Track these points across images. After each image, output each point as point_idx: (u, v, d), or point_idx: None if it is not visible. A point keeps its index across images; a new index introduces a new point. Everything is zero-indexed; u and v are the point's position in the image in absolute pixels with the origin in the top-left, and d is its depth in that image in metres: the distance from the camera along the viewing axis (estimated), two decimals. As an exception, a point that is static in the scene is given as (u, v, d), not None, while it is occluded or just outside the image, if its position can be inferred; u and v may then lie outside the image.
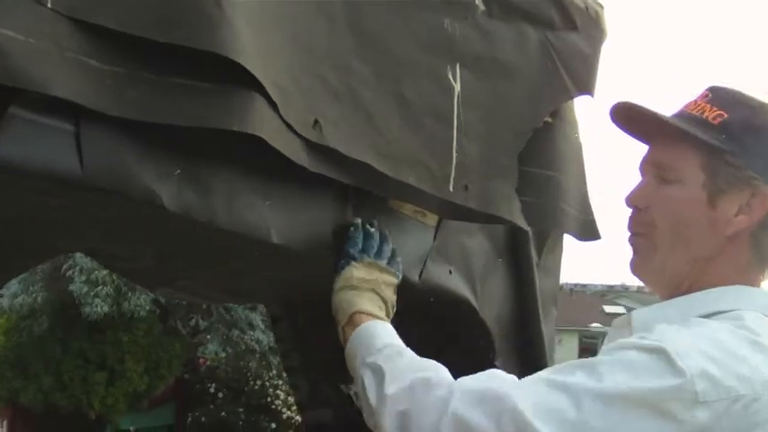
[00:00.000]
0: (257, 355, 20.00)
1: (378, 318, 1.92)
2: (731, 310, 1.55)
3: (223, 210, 1.59)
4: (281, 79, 1.60)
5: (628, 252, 1.71)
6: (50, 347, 17.41)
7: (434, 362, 1.75)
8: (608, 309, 53.81)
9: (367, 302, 1.92)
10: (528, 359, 2.64)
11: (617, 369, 1.42)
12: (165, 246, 1.93)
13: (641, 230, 1.67)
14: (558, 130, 2.45)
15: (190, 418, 21.08)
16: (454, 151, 2.00)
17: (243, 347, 19.76)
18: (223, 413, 20.70)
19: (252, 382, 20.42)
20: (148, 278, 2.41)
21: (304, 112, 1.65)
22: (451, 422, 1.53)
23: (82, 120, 1.39)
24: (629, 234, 1.71)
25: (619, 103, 1.70)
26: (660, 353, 1.40)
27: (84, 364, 17.68)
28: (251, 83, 1.50)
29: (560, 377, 1.48)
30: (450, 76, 2.02)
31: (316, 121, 1.67)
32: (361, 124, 1.80)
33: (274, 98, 1.56)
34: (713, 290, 1.60)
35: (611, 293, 65.28)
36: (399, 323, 2.48)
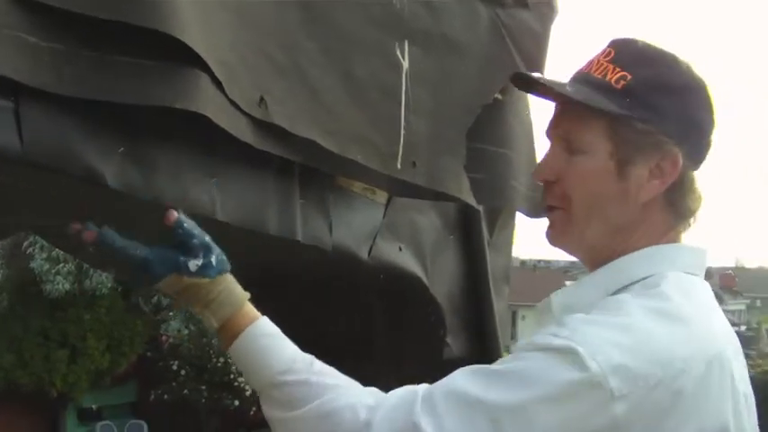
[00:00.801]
0: (220, 333, 19.97)
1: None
2: (649, 276, 1.53)
3: (168, 187, 1.59)
4: (225, 56, 1.59)
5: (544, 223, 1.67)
6: (11, 325, 17.30)
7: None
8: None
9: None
10: (479, 336, 2.66)
11: (533, 377, 1.39)
12: (111, 224, 1.92)
13: (556, 204, 1.62)
14: (509, 107, 2.45)
15: (152, 396, 21.00)
16: (402, 128, 2.00)
17: (205, 325, 19.74)
18: (186, 391, 20.65)
19: (215, 360, 20.38)
20: (96, 257, 2.39)
21: (249, 90, 1.65)
22: None
23: (21, 97, 1.37)
24: (545, 206, 1.66)
25: (516, 74, 1.74)
26: (571, 353, 1.37)
27: (45, 342, 17.58)
28: (194, 60, 1.50)
29: (475, 392, 1.43)
30: (399, 53, 2.01)
31: (261, 99, 1.67)
32: (308, 101, 1.79)
33: (219, 75, 1.55)
34: (628, 257, 1.57)
35: (575, 269, 65.59)
36: (349, 301, 2.50)
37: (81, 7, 1.39)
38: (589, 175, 1.56)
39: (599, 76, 1.58)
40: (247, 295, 1.70)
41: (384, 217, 2.22)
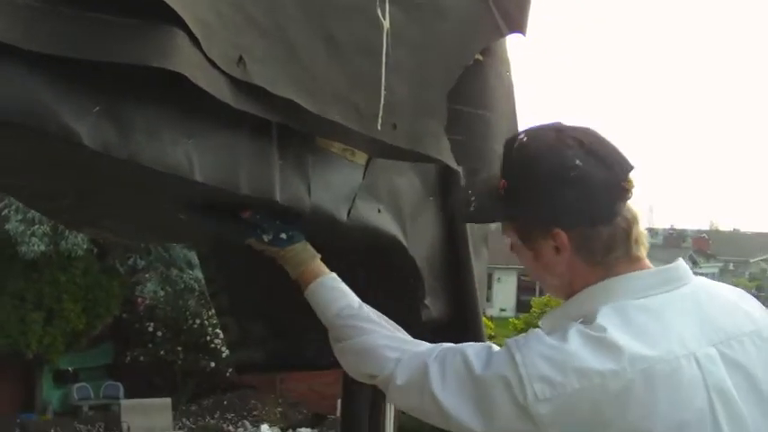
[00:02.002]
0: (196, 294, 19.97)
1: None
2: (595, 312, 1.83)
3: (144, 147, 1.56)
4: (204, 14, 1.56)
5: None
6: (-15, 287, 17.25)
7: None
8: (547, 247, 54.41)
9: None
10: (458, 298, 2.65)
11: (496, 365, 1.82)
12: (86, 184, 1.90)
13: None
14: (489, 69, 2.44)
15: (128, 358, 21.03)
16: (382, 89, 1.98)
17: (182, 286, 19.71)
18: (162, 352, 20.68)
19: (191, 321, 20.41)
20: (71, 218, 2.37)
21: (228, 49, 1.62)
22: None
23: (-5, 54, 1.35)
24: None
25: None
26: (509, 360, 1.79)
27: (20, 304, 17.54)
28: (172, 18, 1.47)
29: (473, 361, 1.86)
30: (380, 13, 1.99)
31: (240, 58, 1.64)
32: (287, 61, 1.77)
33: (197, 34, 1.52)
34: (575, 297, 1.94)
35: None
36: (328, 262, 2.48)
37: (56, -36, 1.36)
38: (522, 258, 2.02)
39: (496, 185, 1.96)
40: (316, 257, 2.19)
41: (363, 178, 2.21)
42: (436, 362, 1.90)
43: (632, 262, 1.91)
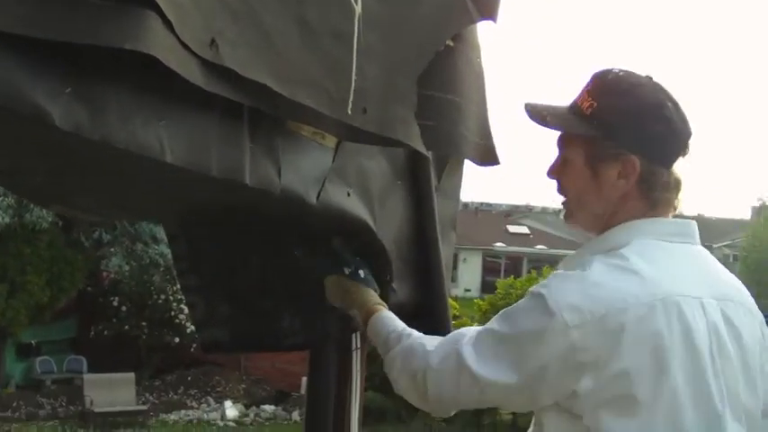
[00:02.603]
0: (161, 269, 19.94)
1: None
2: (625, 244, 2.04)
3: (116, 128, 1.56)
4: None
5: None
6: (-51, 259, 17.12)
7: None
8: (512, 228, 54.64)
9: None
10: (425, 281, 2.67)
11: (518, 315, 2.03)
12: (57, 163, 1.90)
13: (563, 196, 2.19)
14: (460, 55, 2.45)
15: (92, 332, 21.00)
16: (353, 74, 1.98)
17: (147, 261, 19.69)
18: (126, 327, 20.66)
19: (155, 296, 20.39)
20: (40, 195, 2.37)
21: (201, 31, 1.62)
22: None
23: (-34, 34, 1.34)
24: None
25: (527, 104, 2.16)
26: (538, 297, 1.98)
27: (-17, 276, 17.45)
28: (146, 1, 1.47)
29: (498, 328, 2.06)
30: (352, -2, 1.99)
31: (213, 41, 1.64)
32: (260, 44, 1.77)
33: (169, 16, 1.52)
34: (609, 231, 2.10)
35: (516, 213, 66.23)
36: (299, 241, 2.49)
37: (29, -56, 1.36)
38: (574, 177, 2.14)
39: (578, 103, 2.12)
40: (379, 301, 2.49)
41: (333, 161, 2.22)
42: (468, 342, 2.08)
43: (668, 209, 2.13)
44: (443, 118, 2.39)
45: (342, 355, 2.83)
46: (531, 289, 2.03)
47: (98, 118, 1.52)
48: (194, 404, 21.72)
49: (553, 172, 2.18)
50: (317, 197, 2.16)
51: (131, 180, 1.99)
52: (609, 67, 2.15)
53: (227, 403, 21.40)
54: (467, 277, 45.50)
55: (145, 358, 21.30)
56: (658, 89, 2.10)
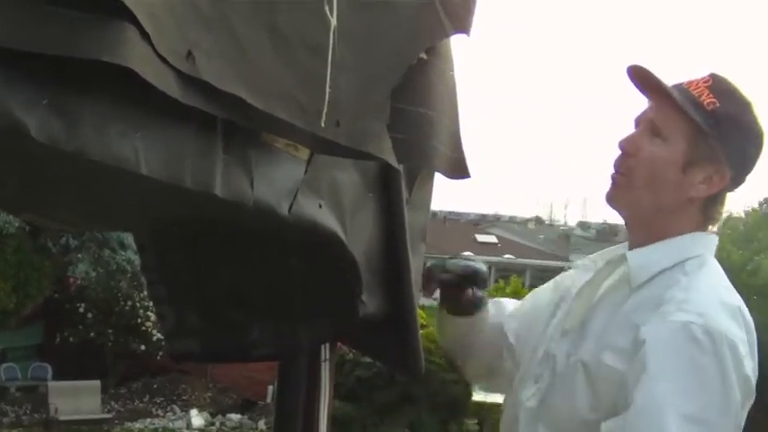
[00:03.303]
0: (128, 276, 19.84)
1: None
2: (698, 255, 2.07)
3: (92, 140, 1.56)
4: (154, 8, 1.56)
5: (607, 185, 2.16)
6: None
7: None
8: (480, 238, 54.73)
9: None
10: (395, 294, 2.68)
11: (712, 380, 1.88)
12: (30, 174, 1.89)
13: (624, 171, 2.12)
14: (433, 68, 2.46)
15: (58, 339, 20.85)
16: (327, 87, 1.99)
17: (114, 267, 19.59)
18: (92, 334, 20.54)
19: (122, 303, 20.29)
20: (11, 204, 2.36)
21: (177, 43, 1.62)
22: None
23: (-60, 45, 1.34)
24: (614, 171, 2.15)
25: (636, 66, 2.10)
26: (718, 338, 1.88)
27: (-51, 281, 17.31)
28: (122, 12, 1.47)
29: (686, 410, 1.85)
30: (327, 11, 2.00)
31: (189, 53, 1.65)
32: (234, 56, 1.77)
33: (147, 28, 1.52)
34: (680, 239, 2.08)
35: (484, 223, 66.40)
36: (269, 256, 2.50)
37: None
38: (660, 159, 2.07)
39: (696, 94, 2.06)
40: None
41: (305, 173, 2.22)
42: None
43: (714, 227, 2.15)
44: (415, 131, 2.40)
45: (311, 367, 2.83)
46: (692, 333, 1.90)
47: (74, 130, 1.52)
48: (160, 412, 21.61)
49: (632, 143, 2.12)
50: (289, 209, 2.16)
51: (105, 191, 1.99)
52: (720, 72, 2.13)
53: (193, 412, 21.30)
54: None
55: (111, 366, 21.17)
56: (761, 118, 2.12)
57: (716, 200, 2.11)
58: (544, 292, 2.58)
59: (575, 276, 2.39)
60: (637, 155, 2.10)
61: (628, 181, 2.11)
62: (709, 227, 2.14)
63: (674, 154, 2.06)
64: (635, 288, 2.07)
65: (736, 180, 2.11)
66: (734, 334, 1.91)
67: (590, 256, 2.35)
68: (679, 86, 2.10)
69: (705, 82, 2.08)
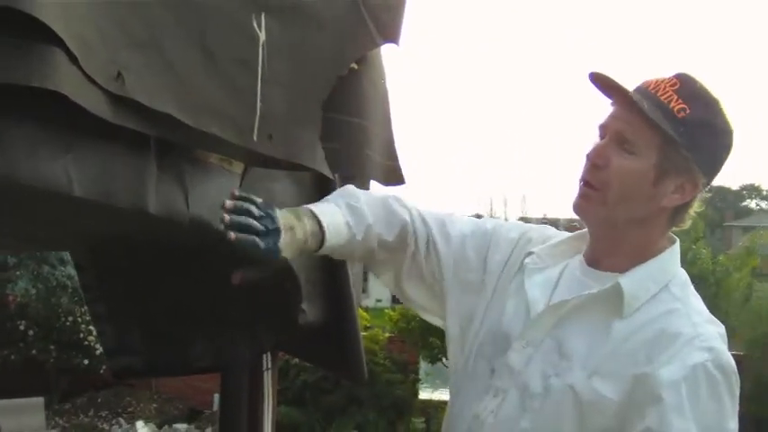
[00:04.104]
0: (69, 291, 19.61)
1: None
2: (675, 274, 2.05)
3: (23, 164, 1.56)
4: (82, 30, 1.57)
5: (574, 193, 2.07)
6: None
7: None
8: (422, 239, 54.64)
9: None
10: (335, 302, 2.70)
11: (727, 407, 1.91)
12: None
13: (596, 185, 2.01)
14: (364, 77, 2.49)
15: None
16: (258, 101, 2.01)
17: (54, 283, 19.34)
18: (34, 351, 20.24)
19: (63, 319, 20.00)
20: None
21: (107, 64, 1.63)
22: None
23: None
24: (583, 181, 2.04)
25: (597, 73, 2.00)
26: (728, 370, 1.91)
27: None
28: (50, 36, 1.47)
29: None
30: (256, 25, 2.02)
31: (119, 74, 1.65)
32: (165, 74, 1.78)
33: (74, 51, 1.53)
34: (660, 258, 2.05)
35: (425, 223, 66.33)
36: (209, 267, 2.50)
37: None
38: (632, 172, 1.97)
39: (664, 101, 1.96)
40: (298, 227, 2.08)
41: (240, 187, 2.23)
42: None
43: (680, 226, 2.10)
44: (348, 140, 2.42)
45: (253, 376, 2.84)
46: (708, 368, 1.92)
47: (4, 154, 1.52)
48: (105, 426, 21.37)
49: (602, 156, 2.00)
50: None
51: (40, 213, 1.99)
52: (686, 71, 2.04)
53: (139, 423, 21.09)
54: (378, 288, 45.39)
55: (54, 382, 20.90)
56: (728, 114, 2.04)
57: (686, 206, 2.04)
58: (504, 242, 2.32)
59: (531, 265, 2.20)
60: (607, 167, 2.00)
61: (601, 196, 2.01)
62: (671, 228, 2.09)
63: (646, 167, 1.97)
64: (625, 315, 2.00)
65: (708, 183, 2.02)
66: (733, 363, 1.95)
67: (538, 251, 2.20)
68: (645, 91, 2.01)
69: (672, 85, 1.99)
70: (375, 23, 2.38)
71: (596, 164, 2.01)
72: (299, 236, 2.06)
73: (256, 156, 2.06)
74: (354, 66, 2.41)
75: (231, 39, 1.96)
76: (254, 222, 1.95)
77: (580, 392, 1.97)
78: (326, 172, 2.28)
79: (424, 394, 23.08)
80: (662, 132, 1.95)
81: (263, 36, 2.02)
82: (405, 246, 2.28)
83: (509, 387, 2.08)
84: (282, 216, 2.04)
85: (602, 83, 2.01)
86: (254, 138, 2.00)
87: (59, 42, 1.49)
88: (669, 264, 2.06)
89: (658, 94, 1.98)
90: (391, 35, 2.47)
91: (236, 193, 1.97)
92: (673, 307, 2.00)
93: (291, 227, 2.04)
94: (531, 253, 2.20)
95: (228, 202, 1.93)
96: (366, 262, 2.42)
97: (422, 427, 21.37)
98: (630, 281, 2.01)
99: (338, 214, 2.16)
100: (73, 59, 1.53)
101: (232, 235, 1.91)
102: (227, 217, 1.91)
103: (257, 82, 2.01)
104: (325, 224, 2.12)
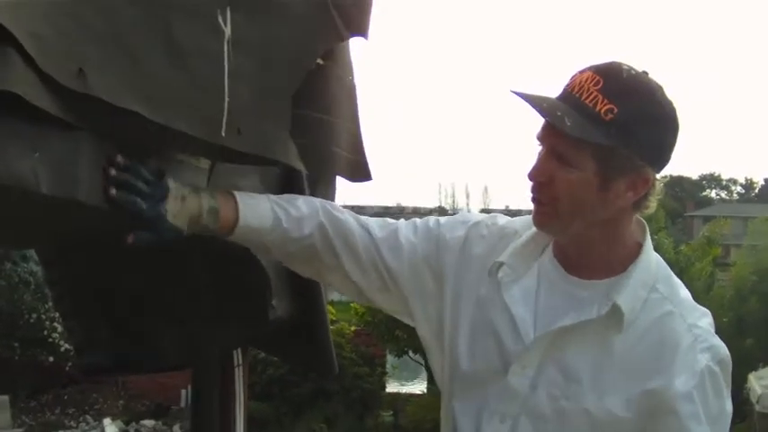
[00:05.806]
0: (32, 288, 19.48)
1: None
2: (657, 270, 2.06)
3: None
4: (38, 27, 1.53)
5: (531, 208, 2.04)
6: None
7: None
8: (387, 231, 54.68)
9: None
10: (304, 297, 2.70)
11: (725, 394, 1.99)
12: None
13: (545, 201, 1.98)
14: (331, 73, 2.48)
15: (-38, 356, 20.36)
16: (226, 96, 1.98)
17: (16, 280, 19.22)
18: (-3, 348, 20.12)
19: (27, 316, 19.89)
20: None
21: (66, 61, 1.59)
22: None
23: None
24: (533, 199, 2.01)
25: (519, 93, 1.90)
26: (726, 363, 2.00)
27: None
28: (3, 36, 1.45)
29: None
30: (221, 20, 1.99)
31: (80, 70, 1.62)
32: (129, 70, 1.75)
33: (30, 51, 1.49)
34: (642, 261, 2.03)
35: (388, 215, 66.56)
36: (176, 265, 2.49)
37: None
38: (575, 185, 1.92)
39: (589, 105, 1.88)
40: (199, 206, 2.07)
41: (208, 182, 2.22)
42: None
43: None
44: (315, 136, 2.41)
45: (224, 373, 2.84)
46: (709, 363, 1.98)
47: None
48: (72, 423, 21.29)
49: (543, 173, 1.96)
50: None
51: (4, 211, 1.96)
52: (613, 60, 1.95)
53: (106, 420, 21.03)
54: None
55: (19, 379, 20.77)
56: (667, 93, 1.95)
57: (646, 197, 1.98)
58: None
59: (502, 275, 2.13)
60: (551, 183, 1.94)
61: (553, 210, 1.97)
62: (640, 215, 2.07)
63: (588, 176, 1.91)
64: (623, 330, 1.98)
65: (660, 171, 1.98)
66: (725, 348, 2.01)
67: (508, 262, 2.11)
68: (569, 95, 1.92)
69: (596, 84, 1.88)
70: (341, 17, 2.37)
71: (539, 182, 1.97)
72: (191, 207, 2.03)
73: (225, 151, 2.04)
74: (320, 61, 2.40)
75: (196, 33, 1.93)
76: (139, 183, 1.90)
77: (595, 414, 1.96)
78: (299, 167, 2.26)
79: (392, 387, 23.14)
80: (591, 143, 1.87)
81: (228, 31, 2.00)
82: (355, 256, 2.26)
83: (518, 413, 2.04)
84: (176, 186, 2.00)
85: (526, 99, 1.91)
86: (223, 133, 1.98)
87: (13, 41, 1.47)
88: (649, 260, 2.05)
89: (582, 97, 1.89)
90: (359, 29, 2.46)
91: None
92: (665, 310, 2.02)
93: (183, 197, 2.02)
94: (501, 264, 2.11)
95: (120, 158, 1.85)
96: (313, 269, 2.36)
97: (390, 420, 21.44)
98: (625, 298, 1.98)
99: (264, 200, 2.18)
100: (28, 58, 1.50)
101: (113, 191, 1.84)
102: (112, 171, 1.83)
103: (224, 77, 1.99)
104: (240, 201, 2.12)
